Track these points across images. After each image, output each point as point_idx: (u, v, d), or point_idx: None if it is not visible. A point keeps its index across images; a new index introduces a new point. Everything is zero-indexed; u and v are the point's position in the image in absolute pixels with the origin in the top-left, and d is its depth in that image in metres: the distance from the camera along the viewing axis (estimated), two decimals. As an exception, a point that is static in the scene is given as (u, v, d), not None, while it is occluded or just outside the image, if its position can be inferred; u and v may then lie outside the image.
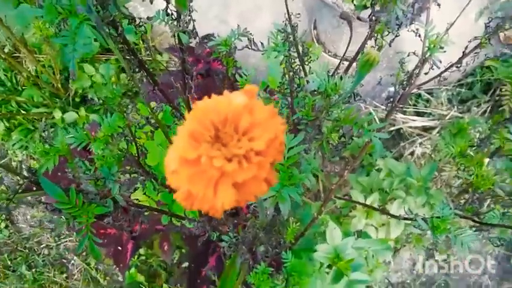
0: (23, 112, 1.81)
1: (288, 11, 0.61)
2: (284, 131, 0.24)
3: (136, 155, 0.76)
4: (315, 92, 0.54)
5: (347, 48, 0.73)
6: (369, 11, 0.86)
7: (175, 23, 0.55)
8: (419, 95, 1.54)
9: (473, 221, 0.65)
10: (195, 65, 1.57)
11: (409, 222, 1.24)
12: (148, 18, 0.53)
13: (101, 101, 0.65)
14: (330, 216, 1.27)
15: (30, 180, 0.52)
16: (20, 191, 0.52)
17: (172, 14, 0.55)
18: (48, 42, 1.70)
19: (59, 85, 1.79)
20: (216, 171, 0.22)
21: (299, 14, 0.73)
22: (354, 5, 1.60)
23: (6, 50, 1.80)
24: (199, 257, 1.15)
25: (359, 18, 1.55)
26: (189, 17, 0.52)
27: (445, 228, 0.58)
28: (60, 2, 0.57)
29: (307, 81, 0.64)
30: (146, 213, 0.71)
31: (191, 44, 1.60)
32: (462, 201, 0.81)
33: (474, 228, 0.68)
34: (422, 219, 0.73)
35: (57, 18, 0.53)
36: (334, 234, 1.04)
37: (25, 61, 1.84)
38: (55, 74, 1.78)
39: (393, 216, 1.00)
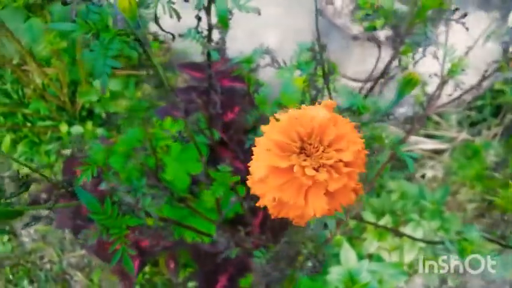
0: (28, 125, 1.80)
1: (318, 30, 0.61)
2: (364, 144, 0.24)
3: (155, 168, 0.75)
4: (344, 111, 0.53)
5: (375, 67, 0.72)
6: (380, 32, 0.86)
7: (205, 40, 0.55)
8: (429, 117, 1.55)
9: (500, 244, 0.64)
10: (200, 81, 1.58)
11: (423, 245, 1.21)
12: (179, 35, 0.54)
13: (125, 115, 0.65)
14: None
15: (68, 191, 0.51)
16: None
17: (202, 31, 0.55)
18: (58, 55, 1.71)
19: (66, 99, 1.79)
20: (308, 180, 0.23)
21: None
22: (364, 27, 1.62)
23: (14, 63, 1.81)
24: (209, 276, 1.12)
25: (368, 39, 1.56)
26: (223, 35, 0.52)
27: (473, 251, 0.57)
28: (90, 17, 0.57)
29: (331, 99, 0.64)
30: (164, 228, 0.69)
31: (200, 61, 1.61)
32: (482, 225, 0.80)
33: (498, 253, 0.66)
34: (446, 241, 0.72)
35: (89, 33, 0.53)
36: (348, 256, 1.02)
37: (32, 74, 1.84)
38: (62, 88, 1.78)
39: (410, 237, 0.98)
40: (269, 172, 0.24)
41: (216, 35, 0.56)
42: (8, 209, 0.42)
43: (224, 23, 0.45)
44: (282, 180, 0.24)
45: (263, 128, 0.26)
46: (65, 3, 0.53)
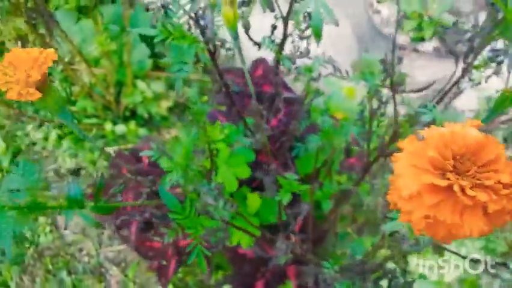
0: (75, 121, 1.87)
1: (394, 41, 0.62)
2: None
3: (210, 172, 0.77)
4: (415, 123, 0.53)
5: (449, 81, 0.70)
6: (428, 43, 0.83)
7: (277, 48, 0.56)
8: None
9: None
10: (245, 87, 1.59)
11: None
12: (255, 43, 0.55)
13: (190, 117, 0.67)
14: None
15: (152, 190, 0.53)
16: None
17: (275, 40, 0.57)
18: (108, 56, 1.78)
19: (112, 98, 1.85)
20: (469, 200, 0.23)
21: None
22: (410, 37, 1.60)
23: (66, 61, 1.89)
24: (246, 280, 1.13)
25: (415, 50, 1.54)
26: (308, 45, 0.53)
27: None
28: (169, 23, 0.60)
29: (397, 110, 0.64)
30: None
31: (240, 66, 1.63)
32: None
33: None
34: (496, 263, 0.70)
35: (169, 38, 0.55)
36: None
37: (81, 73, 1.92)
38: (109, 88, 1.85)
39: (456, 254, 0.96)
40: (422, 189, 0.25)
41: (288, 44, 0.57)
42: (108, 205, 0.45)
43: (318, 34, 0.46)
44: (438, 199, 0.24)
45: (401, 143, 0.26)
46: (147, 10, 0.55)
